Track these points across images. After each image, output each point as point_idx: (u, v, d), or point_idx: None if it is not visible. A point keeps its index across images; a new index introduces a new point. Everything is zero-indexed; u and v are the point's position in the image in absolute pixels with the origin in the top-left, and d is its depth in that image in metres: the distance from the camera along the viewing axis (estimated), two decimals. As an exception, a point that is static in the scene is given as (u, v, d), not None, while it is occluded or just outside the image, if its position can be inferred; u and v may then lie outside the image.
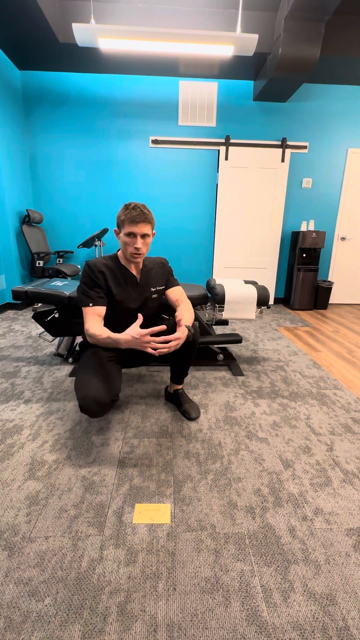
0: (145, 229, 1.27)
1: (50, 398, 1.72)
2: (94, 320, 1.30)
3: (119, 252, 1.40)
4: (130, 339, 1.16)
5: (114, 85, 3.54)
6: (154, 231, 1.34)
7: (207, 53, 2.55)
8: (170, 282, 1.53)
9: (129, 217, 1.24)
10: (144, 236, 1.28)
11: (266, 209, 3.92)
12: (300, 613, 0.76)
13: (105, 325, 1.35)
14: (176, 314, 1.42)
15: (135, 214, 1.23)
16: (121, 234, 1.29)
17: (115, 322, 1.40)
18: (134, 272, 1.40)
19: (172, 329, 1.36)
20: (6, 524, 0.98)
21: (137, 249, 1.28)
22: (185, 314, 1.38)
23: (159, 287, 1.48)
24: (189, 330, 1.28)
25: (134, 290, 1.41)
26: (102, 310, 1.32)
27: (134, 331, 1.16)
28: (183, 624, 0.74)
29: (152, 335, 1.29)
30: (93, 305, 1.30)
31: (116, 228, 1.32)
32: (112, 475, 1.18)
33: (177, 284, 1.55)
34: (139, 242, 1.27)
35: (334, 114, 3.73)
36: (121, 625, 0.73)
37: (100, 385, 1.20)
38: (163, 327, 1.17)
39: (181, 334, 1.22)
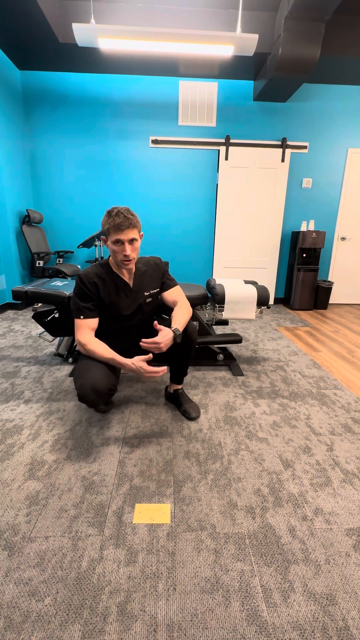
0: (132, 234, 1.24)
1: (50, 398, 1.72)
2: (87, 333, 1.30)
3: (110, 259, 1.38)
4: (135, 368, 1.22)
5: (113, 85, 3.54)
6: (141, 233, 1.31)
7: (207, 53, 2.55)
8: (167, 284, 1.50)
9: (114, 225, 1.21)
10: (131, 241, 1.25)
11: (266, 209, 3.92)
12: (300, 613, 0.76)
13: (98, 330, 1.36)
14: (172, 314, 1.41)
15: (119, 221, 1.20)
16: (109, 242, 1.27)
17: (109, 328, 1.40)
18: (126, 278, 1.38)
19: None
20: (6, 524, 0.98)
21: (126, 256, 1.26)
22: (178, 317, 1.37)
23: (153, 290, 1.46)
24: (174, 334, 1.28)
25: (128, 297, 1.39)
26: (93, 322, 1.33)
27: (141, 365, 1.22)
28: (183, 624, 0.74)
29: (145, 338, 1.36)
30: (84, 318, 1.30)
31: (103, 236, 1.30)
32: (112, 475, 1.18)
33: (174, 284, 1.52)
34: (128, 249, 1.25)
35: (334, 114, 3.73)
36: (121, 625, 0.73)
37: (99, 374, 1.22)
38: (150, 356, 1.25)
39: (160, 338, 1.23)
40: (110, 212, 1.23)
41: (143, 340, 1.23)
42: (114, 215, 1.22)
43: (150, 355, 1.25)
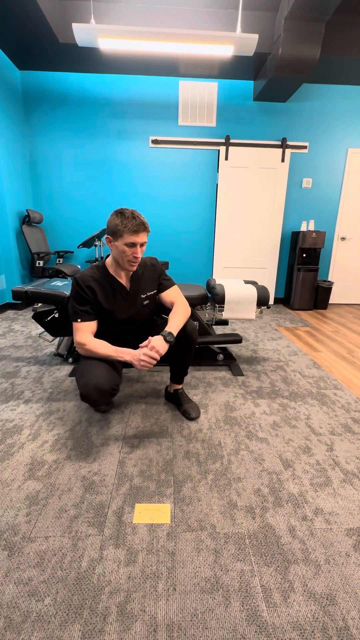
0: (145, 237, 1.26)
1: (50, 398, 1.72)
2: (86, 334, 1.30)
3: (108, 261, 1.37)
4: (139, 356, 1.22)
5: (114, 85, 3.54)
6: None
7: (207, 53, 2.55)
8: (164, 284, 1.49)
9: (131, 228, 1.21)
10: (142, 244, 1.27)
11: (266, 209, 3.92)
12: (300, 613, 0.76)
13: (97, 333, 1.35)
14: (168, 318, 1.41)
15: (136, 224, 1.21)
16: (117, 243, 1.25)
17: (107, 331, 1.40)
18: (123, 281, 1.38)
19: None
20: (6, 524, 0.98)
21: (136, 257, 1.27)
22: (172, 320, 1.36)
23: (150, 292, 1.46)
24: (164, 337, 1.27)
25: (125, 300, 1.39)
26: (91, 325, 1.33)
27: (144, 351, 1.22)
28: (183, 624, 0.74)
29: (144, 338, 1.36)
30: (82, 321, 1.30)
31: (109, 236, 1.27)
32: (112, 475, 1.18)
33: (172, 285, 1.50)
34: (139, 251, 1.27)
35: (334, 114, 3.73)
36: (121, 625, 0.73)
37: (102, 373, 1.23)
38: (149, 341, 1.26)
39: (154, 343, 1.23)
40: (124, 214, 1.22)
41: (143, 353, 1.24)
42: (129, 218, 1.21)
43: (150, 339, 1.25)
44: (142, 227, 1.23)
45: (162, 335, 1.28)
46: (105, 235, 1.30)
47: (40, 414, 1.57)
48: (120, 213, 1.23)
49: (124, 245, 1.25)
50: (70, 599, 0.78)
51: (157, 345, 1.23)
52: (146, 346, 1.24)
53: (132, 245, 1.25)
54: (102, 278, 1.35)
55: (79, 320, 1.30)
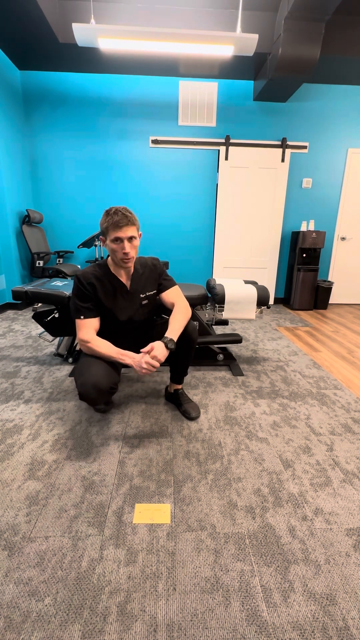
0: (130, 231, 1.24)
1: (50, 398, 1.72)
2: (89, 331, 1.31)
3: (109, 260, 1.37)
4: (141, 363, 1.22)
5: (114, 85, 3.54)
6: (140, 232, 1.31)
7: (207, 53, 2.55)
8: (164, 285, 1.48)
9: (112, 223, 1.21)
10: (130, 239, 1.25)
11: (266, 209, 3.92)
12: (300, 613, 0.76)
13: (97, 333, 1.35)
14: (168, 320, 1.40)
15: (117, 219, 1.20)
16: (107, 241, 1.27)
17: (107, 329, 1.40)
18: (123, 279, 1.38)
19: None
20: (6, 524, 0.98)
21: (125, 253, 1.26)
22: (173, 323, 1.35)
23: (150, 292, 1.45)
24: (164, 344, 1.26)
25: (125, 299, 1.39)
26: (94, 322, 1.33)
27: (145, 357, 1.22)
28: (183, 624, 0.74)
29: (143, 337, 1.35)
30: (84, 318, 1.31)
31: (102, 236, 1.30)
32: (112, 475, 1.18)
33: (172, 285, 1.50)
34: (127, 247, 1.25)
35: (334, 114, 3.73)
36: (121, 625, 0.73)
37: (100, 372, 1.23)
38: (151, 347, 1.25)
39: (155, 352, 1.22)
40: (108, 211, 1.23)
41: (145, 361, 1.23)
42: (112, 214, 1.22)
43: (152, 346, 1.24)
44: (124, 220, 1.21)
45: (163, 341, 1.27)
46: (100, 237, 1.31)
47: (40, 414, 1.57)
48: (106, 212, 1.25)
49: (111, 242, 1.25)
50: (70, 599, 0.78)
51: (158, 353, 1.22)
52: (148, 352, 1.24)
53: (119, 240, 1.24)
54: (103, 276, 1.35)
55: (81, 317, 1.30)
